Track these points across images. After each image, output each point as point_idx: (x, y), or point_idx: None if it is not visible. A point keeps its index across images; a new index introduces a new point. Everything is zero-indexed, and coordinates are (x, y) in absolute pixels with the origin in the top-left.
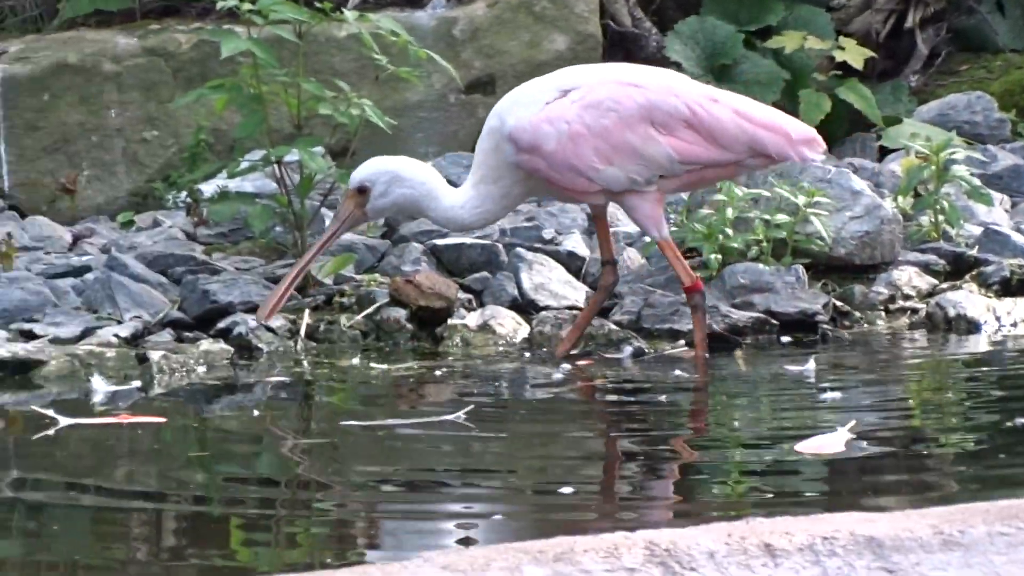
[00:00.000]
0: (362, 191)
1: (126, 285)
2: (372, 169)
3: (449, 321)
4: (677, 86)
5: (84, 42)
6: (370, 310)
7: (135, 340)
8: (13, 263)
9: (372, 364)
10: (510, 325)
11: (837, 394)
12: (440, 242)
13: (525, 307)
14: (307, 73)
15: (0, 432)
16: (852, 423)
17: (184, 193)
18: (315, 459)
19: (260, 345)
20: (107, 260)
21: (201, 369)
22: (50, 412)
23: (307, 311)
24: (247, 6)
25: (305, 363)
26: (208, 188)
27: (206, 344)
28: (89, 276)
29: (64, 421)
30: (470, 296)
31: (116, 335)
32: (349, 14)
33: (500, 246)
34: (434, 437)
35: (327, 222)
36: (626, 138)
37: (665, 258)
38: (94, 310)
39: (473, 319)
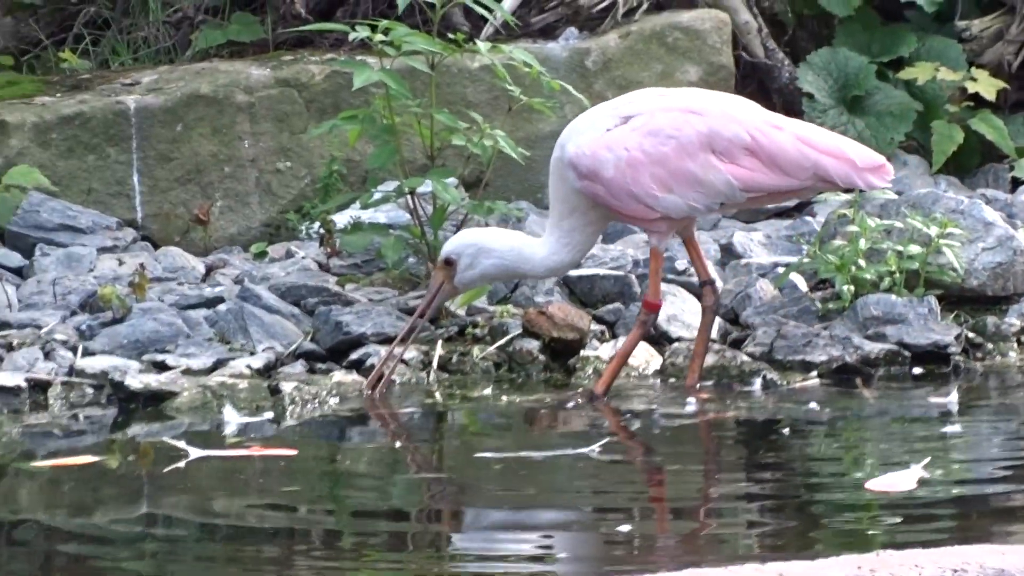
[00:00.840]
0: (449, 263)
1: (259, 316)
2: (458, 242)
3: (582, 352)
4: (739, 113)
5: (217, 73)
6: (502, 341)
7: (267, 371)
8: (146, 294)
9: (504, 396)
10: (642, 356)
11: (957, 427)
12: (573, 273)
13: (658, 338)
14: (440, 104)
15: (132, 464)
16: (927, 460)
17: (317, 224)
18: (449, 491)
19: (393, 377)
20: (240, 291)
21: (333, 401)
22: (181, 444)
23: (439, 342)
24: (380, 37)
25: (437, 394)
26: (341, 219)
27: (339, 375)
28: (222, 307)
29: (195, 453)
30: (603, 327)
31: (248, 366)
32: (482, 45)
33: (633, 277)
34: (569, 469)
35: None
36: (686, 166)
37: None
38: (227, 341)
39: (606, 350)
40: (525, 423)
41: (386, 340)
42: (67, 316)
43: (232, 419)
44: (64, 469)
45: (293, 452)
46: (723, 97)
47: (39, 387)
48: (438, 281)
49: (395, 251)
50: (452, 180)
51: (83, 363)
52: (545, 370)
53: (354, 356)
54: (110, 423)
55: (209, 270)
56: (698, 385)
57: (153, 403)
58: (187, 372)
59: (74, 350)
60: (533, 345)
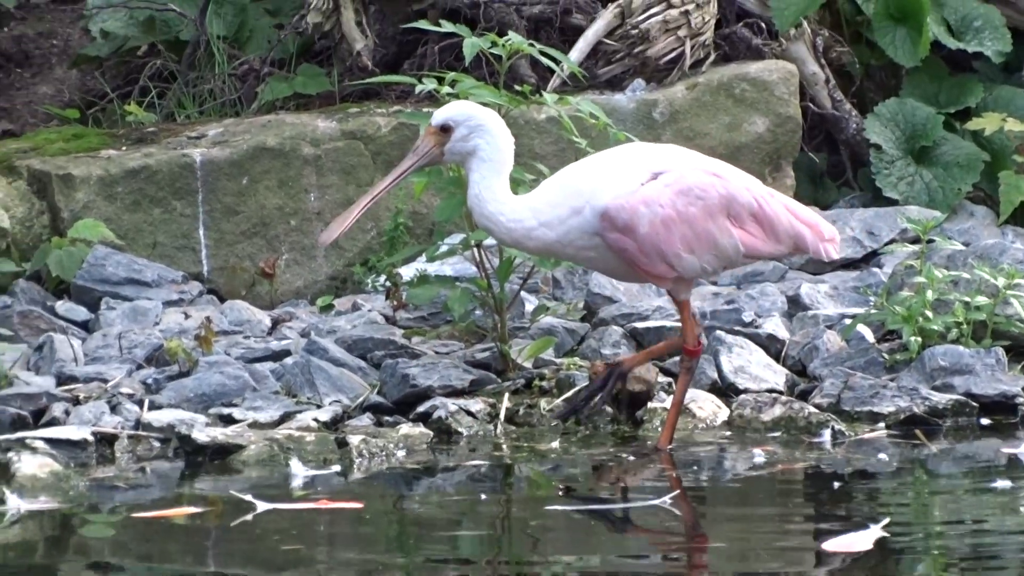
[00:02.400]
0: (445, 130)
1: (325, 369)
2: (461, 111)
3: (649, 404)
4: (747, 179)
5: (283, 126)
6: (570, 394)
7: (334, 424)
8: (212, 347)
9: (573, 448)
10: (710, 408)
11: (1007, 482)
12: (640, 325)
13: (725, 390)
14: None
15: (199, 517)
16: (886, 520)
17: (383, 277)
18: (519, 543)
19: (460, 429)
20: (306, 344)
21: (401, 453)
22: (248, 497)
23: (507, 395)
24: (446, 89)
25: (505, 447)
26: (407, 271)
27: (406, 428)
28: (288, 360)
29: (262, 506)
30: (670, 379)
31: (315, 419)
32: (548, 97)
33: (701, 329)
34: (640, 521)
35: (527, 306)
36: (708, 228)
37: (681, 315)
38: (293, 394)
39: None
40: (594, 475)
41: (453, 393)
42: (133, 370)
43: (299, 472)
44: (135, 521)
45: (359, 505)
46: (732, 167)
47: (106, 440)
48: (427, 146)
49: (461, 304)
50: None
51: (149, 416)
52: (613, 422)
53: (421, 409)
54: (177, 476)
55: (275, 323)
56: (668, 448)
57: (220, 456)
58: (254, 425)
59: (140, 404)
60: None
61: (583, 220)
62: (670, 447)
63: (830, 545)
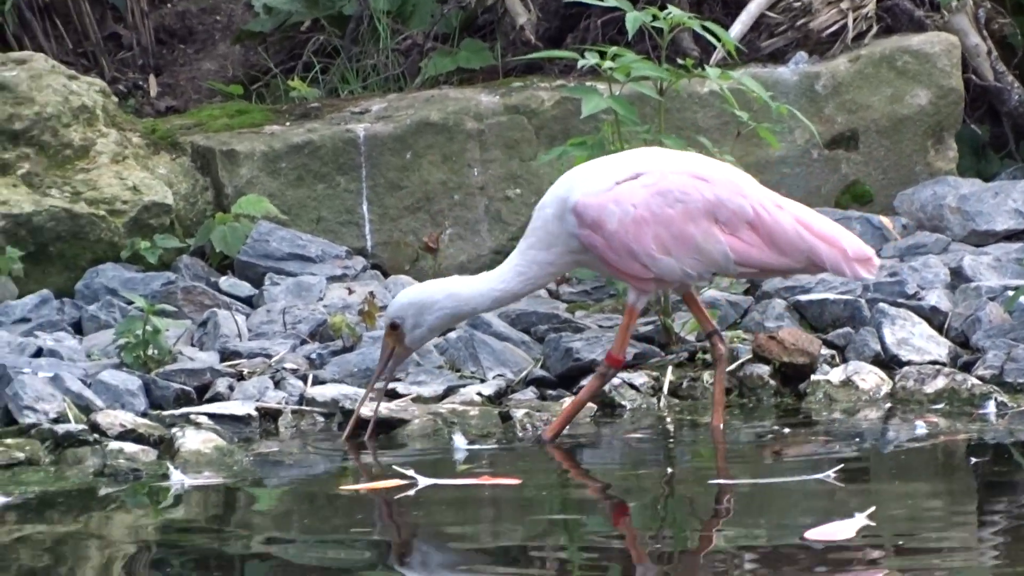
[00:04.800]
0: (395, 327)
1: (489, 344)
2: (397, 306)
3: (812, 377)
4: (745, 186)
5: (447, 100)
6: (733, 366)
7: (498, 398)
8: (376, 322)
9: (735, 421)
10: (873, 380)
11: None
12: (803, 298)
13: (888, 362)
14: (669, 129)
15: (364, 492)
16: (872, 509)
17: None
18: (682, 518)
19: (623, 402)
20: (470, 319)
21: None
22: (411, 472)
23: (670, 368)
24: (609, 64)
25: (668, 420)
26: None
27: (569, 402)
28: (452, 335)
29: (424, 481)
30: (833, 352)
31: (479, 393)
32: (711, 71)
33: (863, 301)
34: (803, 495)
35: None
36: (688, 231)
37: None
38: (457, 369)
39: (836, 375)
40: (757, 449)
41: None
42: (297, 345)
43: (461, 446)
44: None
45: (517, 481)
46: (728, 168)
47: (269, 416)
48: (389, 347)
49: None
50: None
51: (313, 391)
52: (776, 395)
53: (584, 382)
54: (341, 451)
55: None
56: (722, 426)
57: (384, 430)
58: (417, 400)
59: (304, 379)
60: (763, 370)
61: (564, 223)
62: (553, 441)
63: (812, 534)
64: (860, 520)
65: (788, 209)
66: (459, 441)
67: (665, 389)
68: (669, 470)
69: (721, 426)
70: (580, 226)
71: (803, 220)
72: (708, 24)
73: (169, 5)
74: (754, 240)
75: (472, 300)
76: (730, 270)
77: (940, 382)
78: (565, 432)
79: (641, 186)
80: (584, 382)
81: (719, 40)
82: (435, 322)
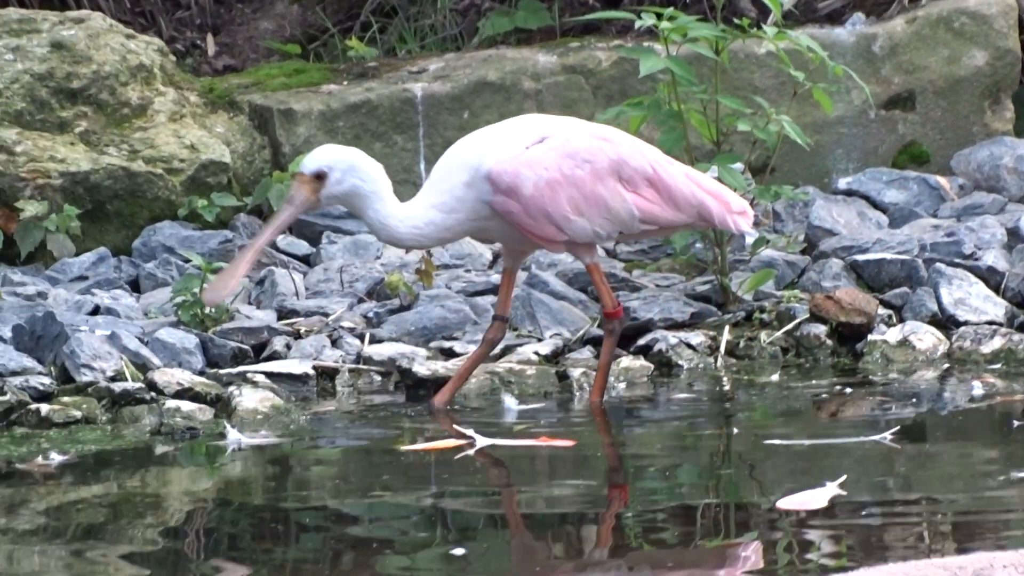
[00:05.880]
0: (319, 177)
1: (546, 303)
2: (331, 156)
3: (869, 337)
4: (641, 145)
5: (504, 60)
6: (790, 326)
7: (555, 357)
8: (433, 281)
9: (792, 381)
10: (930, 340)
11: None
12: (860, 258)
13: (945, 322)
14: (727, 90)
15: (422, 452)
16: (843, 478)
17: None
18: (738, 479)
19: (680, 362)
20: (527, 278)
21: (621, 386)
22: (469, 431)
23: (727, 328)
24: (665, 25)
25: (725, 380)
26: None
27: (626, 361)
28: None
29: (482, 441)
30: (890, 312)
31: (536, 353)
32: (767, 30)
33: (920, 261)
34: (858, 456)
35: (747, 239)
36: (598, 191)
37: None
38: (514, 328)
39: (893, 335)
40: (814, 409)
41: (674, 325)
42: (354, 303)
43: (512, 406)
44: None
45: (571, 443)
46: (623, 132)
47: (326, 374)
48: (302, 195)
49: (682, 237)
50: (738, 165)
51: (370, 350)
52: (832, 355)
53: (642, 342)
54: (398, 410)
55: (496, 257)
56: (601, 401)
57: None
58: None
59: (361, 337)
60: (820, 330)
61: (476, 190)
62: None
63: (784, 503)
64: (832, 489)
65: (677, 166)
66: (509, 402)
67: (722, 349)
68: (725, 429)
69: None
70: (495, 192)
71: (692, 177)
72: None
73: None
74: (654, 197)
75: (380, 208)
76: (634, 228)
77: (997, 342)
78: (622, 390)
79: (550, 148)
80: (643, 341)
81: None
82: (353, 191)
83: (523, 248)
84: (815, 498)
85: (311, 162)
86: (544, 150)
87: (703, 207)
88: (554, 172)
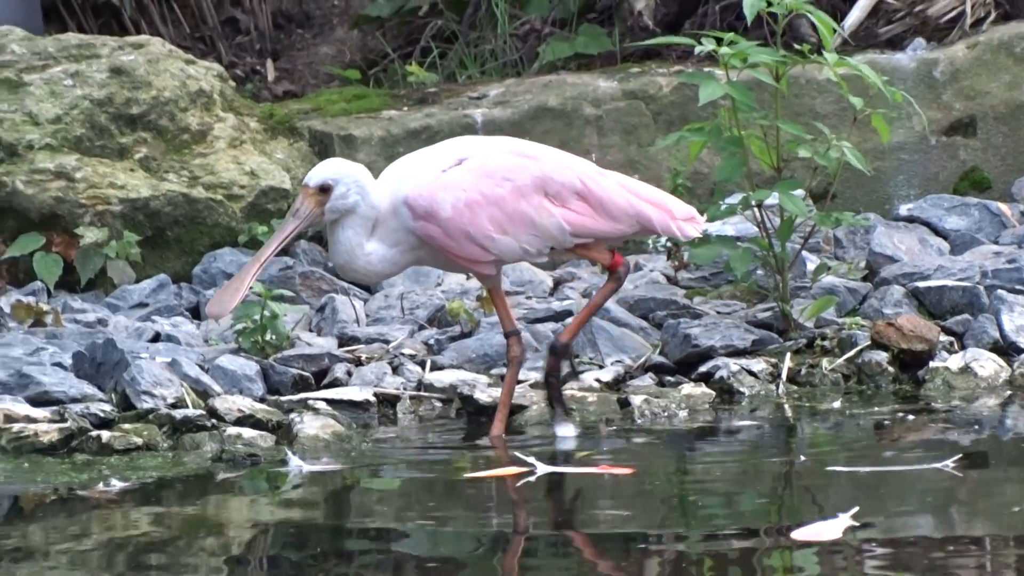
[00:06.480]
0: (324, 190)
1: (607, 329)
2: (338, 170)
3: (930, 364)
4: (568, 159)
5: (564, 86)
6: (851, 353)
7: (616, 385)
8: (492, 308)
9: (854, 408)
10: (991, 367)
11: None
12: (921, 284)
13: (1006, 349)
14: (787, 115)
15: (484, 480)
16: (855, 509)
17: (664, 237)
18: (799, 504)
19: (742, 389)
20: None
21: (682, 413)
22: (531, 459)
23: (788, 354)
24: (725, 50)
25: (786, 407)
26: None
27: (687, 388)
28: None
29: (542, 468)
30: (951, 338)
31: (597, 380)
32: (827, 57)
33: (981, 288)
34: (920, 484)
35: (808, 265)
36: (521, 207)
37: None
38: (575, 355)
39: (954, 362)
40: (875, 436)
41: (735, 352)
42: (415, 330)
43: (567, 434)
44: (417, 481)
45: (631, 470)
46: (550, 148)
47: (387, 402)
48: (308, 208)
49: (743, 263)
50: (799, 192)
51: (431, 377)
52: (894, 382)
53: (703, 369)
54: (459, 437)
55: (557, 284)
56: (502, 435)
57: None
58: (536, 386)
59: (422, 364)
60: (882, 357)
61: (400, 218)
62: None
63: (798, 534)
64: (844, 520)
65: (612, 177)
66: (564, 430)
67: (784, 376)
68: (787, 456)
69: (501, 435)
70: (415, 218)
71: (628, 187)
72: (815, 13)
73: None
74: (585, 210)
75: (360, 236)
76: (566, 242)
77: None
78: (684, 417)
79: (467, 170)
80: (704, 368)
81: (839, 22)
82: (351, 208)
83: (454, 271)
84: (829, 529)
85: (317, 174)
86: (461, 172)
87: (641, 216)
88: (472, 192)
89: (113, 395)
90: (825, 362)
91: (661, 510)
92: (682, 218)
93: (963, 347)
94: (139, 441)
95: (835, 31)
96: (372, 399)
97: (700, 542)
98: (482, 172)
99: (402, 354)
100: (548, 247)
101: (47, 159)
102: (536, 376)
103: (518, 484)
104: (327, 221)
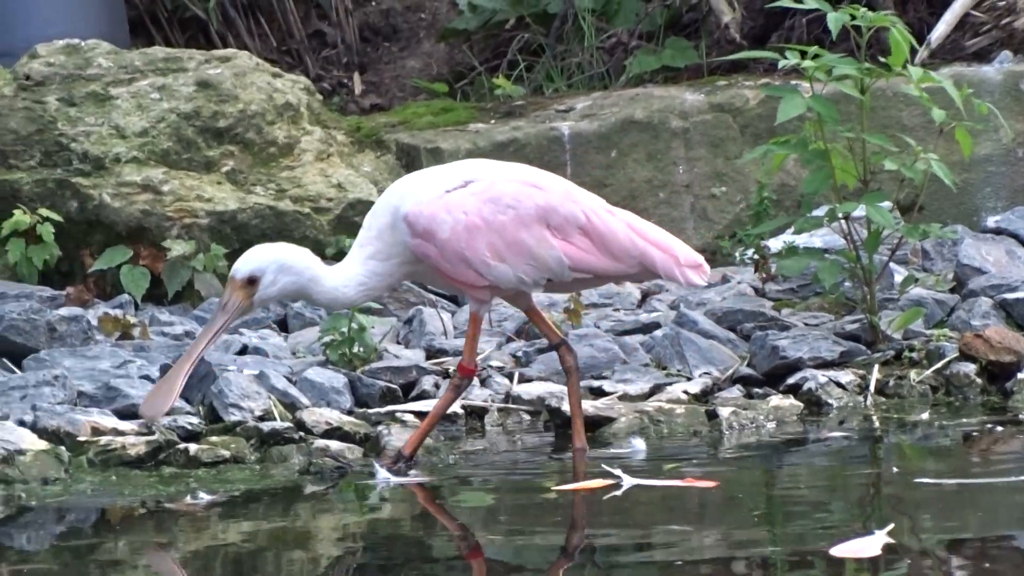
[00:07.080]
0: (252, 282)
1: (695, 341)
2: (259, 260)
3: (1019, 375)
4: (576, 193)
5: (651, 98)
6: (939, 365)
7: (704, 396)
8: (582, 320)
9: (942, 420)
10: None
11: None
12: (1009, 296)
13: None
14: (874, 128)
15: (571, 492)
16: (891, 526)
17: (751, 249)
18: (890, 518)
19: (830, 401)
20: (676, 316)
21: (770, 425)
22: (617, 471)
23: (876, 366)
24: (809, 63)
25: (875, 418)
26: (775, 244)
27: (775, 400)
28: (658, 333)
29: (628, 481)
30: None
31: (685, 391)
32: (912, 70)
33: None
34: (1010, 497)
35: (896, 277)
36: (521, 237)
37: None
38: (663, 366)
39: None
40: (964, 448)
41: (823, 364)
42: (502, 343)
43: (640, 447)
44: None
45: (714, 484)
46: (559, 177)
47: (475, 413)
48: (235, 301)
49: (831, 275)
50: (886, 204)
51: (519, 389)
52: (982, 393)
53: (791, 380)
54: (548, 449)
55: (645, 296)
56: (586, 447)
57: (590, 428)
58: (624, 398)
59: (510, 377)
60: (970, 368)
61: (398, 233)
62: (412, 457)
63: (837, 551)
64: (881, 537)
65: (619, 215)
66: (638, 444)
67: (872, 387)
68: (875, 469)
69: (584, 447)
70: (412, 235)
71: (635, 227)
72: (896, 27)
73: (374, 3)
74: (587, 245)
75: (320, 287)
76: (564, 276)
77: None
78: (772, 429)
79: (471, 194)
80: (792, 380)
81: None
82: (288, 287)
83: (450, 291)
84: (867, 546)
85: (243, 267)
86: (465, 194)
87: (645, 257)
88: (474, 216)
89: (201, 408)
90: (913, 374)
91: (745, 523)
92: (687, 264)
93: None
94: (227, 454)
95: (913, 46)
96: (460, 412)
97: (786, 557)
98: (486, 197)
99: (490, 366)
100: (544, 278)
101: (134, 172)
102: (624, 388)
103: (604, 497)
104: (257, 308)
